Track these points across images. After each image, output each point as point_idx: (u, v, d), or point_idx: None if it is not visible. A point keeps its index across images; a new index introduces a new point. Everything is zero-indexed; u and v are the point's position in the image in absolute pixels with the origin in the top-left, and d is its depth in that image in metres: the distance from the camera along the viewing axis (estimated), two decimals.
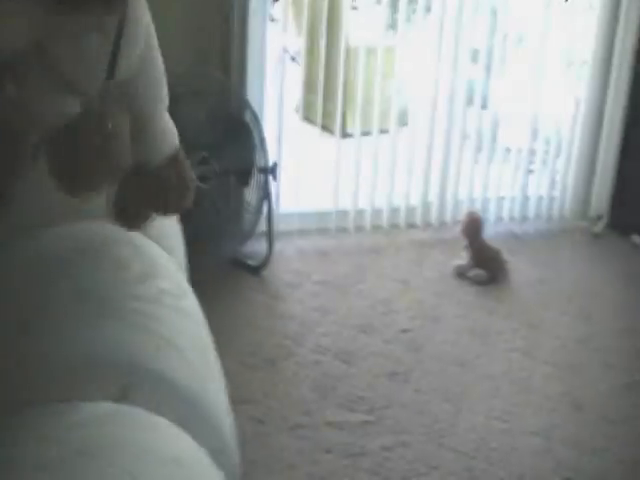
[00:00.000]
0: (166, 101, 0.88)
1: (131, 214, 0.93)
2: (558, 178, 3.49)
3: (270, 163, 2.71)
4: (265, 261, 2.70)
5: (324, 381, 2.14)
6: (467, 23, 3.11)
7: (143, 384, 0.74)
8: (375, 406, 2.05)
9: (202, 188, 2.47)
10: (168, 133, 0.86)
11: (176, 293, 0.91)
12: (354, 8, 3.76)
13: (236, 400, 1.01)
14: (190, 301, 0.95)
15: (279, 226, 2.87)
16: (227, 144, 2.57)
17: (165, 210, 0.93)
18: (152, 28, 0.83)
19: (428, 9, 3.17)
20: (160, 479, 0.61)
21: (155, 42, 0.83)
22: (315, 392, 2.09)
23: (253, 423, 1.90)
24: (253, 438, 1.83)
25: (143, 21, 0.78)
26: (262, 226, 2.77)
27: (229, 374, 0.99)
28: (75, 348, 0.75)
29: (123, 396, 0.71)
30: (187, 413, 0.75)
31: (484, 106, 3.41)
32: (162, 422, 0.70)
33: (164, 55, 2.68)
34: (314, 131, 3.46)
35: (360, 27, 3.50)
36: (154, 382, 0.75)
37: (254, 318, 2.41)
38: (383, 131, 3.26)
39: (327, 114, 3.52)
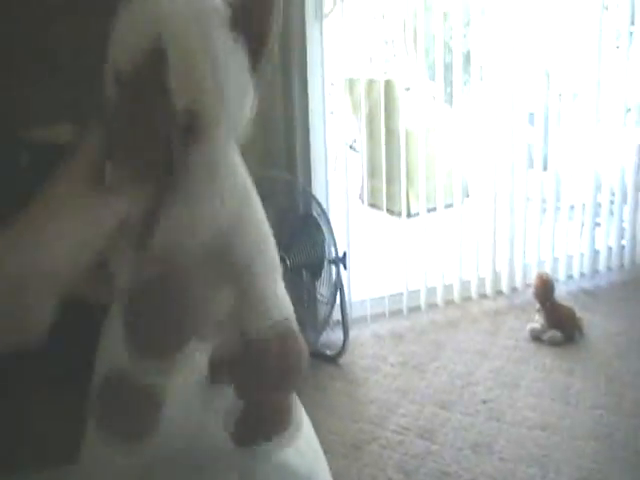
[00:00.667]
0: (271, 266, 0.71)
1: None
2: (626, 226, 3.49)
3: (340, 253, 2.84)
4: (342, 349, 2.81)
5: (409, 460, 2.19)
6: (521, 87, 3.21)
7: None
8: (461, 479, 2.09)
9: None
10: (268, 303, 0.68)
11: None
12: (407, 89, 3.96)
13: None
14: None
15: (352, 313, 3.00)
16: (297, 240, 2.73)
17: (257, 392, 0.72)
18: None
19: (481, 78, 3.28)
20: None
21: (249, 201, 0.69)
22: (400, 472, 2.14)
23: None
24: None
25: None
26: (336, 315, 2.90)
27: None
28: None
29: None
30: None
31: (545, 167, 3.49)
32: None
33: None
34: (380, 215, 3.60)
35: (415, 106, 3.67)
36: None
37: (335, 406, 2.50)
38: (447, 206, 3.37)
39: (390, 197, 3.66)
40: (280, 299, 0.70)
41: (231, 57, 0.59)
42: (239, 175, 0.67)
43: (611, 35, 3.32)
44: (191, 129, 0.57)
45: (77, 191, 0.56)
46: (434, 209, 3.38)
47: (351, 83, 4.22)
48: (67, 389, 1.39)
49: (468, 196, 3.66)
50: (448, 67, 3.22)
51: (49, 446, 1.64)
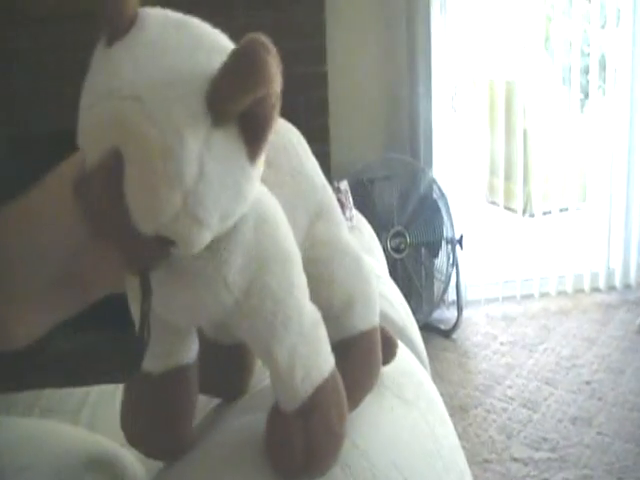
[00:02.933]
0: (287, 333, 0.55)
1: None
2: None
3: (457, 236, 3.07)
4: (455, 325, 3.03)
5: (510, 425, 2.39)
6: None
7: None
8: (558, 446, 2.27)
9: (397, 258, 2.90)
10: (299, 373, 0.55)
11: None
12: (532, 91, 4.06)
13: None
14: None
15: (467, 295, 3.21)
16: (418, 219, 2.99)
17: (285, 472, 0.56)
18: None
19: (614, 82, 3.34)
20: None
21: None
22: (502, 434, 2.35)
23: None
24: None
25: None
26: (452, 295, 3.12)
27: None
28: None
29: None
30: None
31: None
32: None
33: (360, 145, 3.25)
34: (498, 210, 3.78)
35: (539, 108, 3.81)
36: None
37: (447, 373, 2.72)
38: (562, 210, 3.52)
39: (509, 194, 3.83)
40: (299, 371, 0.55)
41: (213, 153, 0.46)
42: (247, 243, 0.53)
43: None
44: (165, 245, 0.48)
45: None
46: (549, 212, 3.54)
47: (476, 82, 4.39)
48: None
49: (584, 200, 3.78)
50: (583, 71, 3.34)
51: None
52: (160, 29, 0.48)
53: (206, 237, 0.48)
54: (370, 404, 0.66)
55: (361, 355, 0.66)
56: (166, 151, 0.44)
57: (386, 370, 0.72)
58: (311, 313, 0.57)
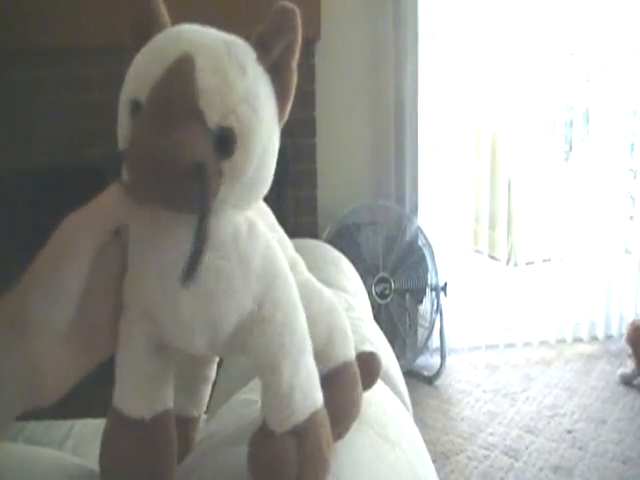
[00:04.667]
0: (293, 347, 0.58)
1: None
2: None
3: (442, 283, 3.09)
4: (438, 372, 3.04)
5: (492, 472, 2.39)
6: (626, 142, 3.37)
7: None
8: None
9: (381, 304, 2.92)
10: (298, 394, 0.57)
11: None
12: (516, 142, 4.14)
13: None
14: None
15: (450, 342, 3.22)
16: (403, 265, 3.02)
17: None
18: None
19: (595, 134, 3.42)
20: None
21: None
22: None
23: None
24: None
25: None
26: (435, 342, 3.14)
27: None
28: None
29: None
30: None
31: None
32: None
33: (347, 191, 3.28)
34: (482, 258, 3.82)
35: (522, 159, 3.88)
36: None
37: (429, 419, 2.72)
38: (545, 260, 3.57)
39: (493, 244, 3.88)
40: (305, 392, 0.58)
41: (263, 90, 0.54)
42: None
43: None
44: (226, 145, 0.51)
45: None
46: (532, 262, 3.58)
47: (461, 132, 4.46)
48: None
49: (567, 251, 3.84)
50: (567, 124, 3.43)
51: None
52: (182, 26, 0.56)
53: (258, 146, 0.53)
54: (352, 440, 0.67)
55: (346, 384, 0.68)
56: (231, 51, 0.52)
57: (369, 409, 0.73)
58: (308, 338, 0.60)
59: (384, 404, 0.79)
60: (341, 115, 3.08)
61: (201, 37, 0.53)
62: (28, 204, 2.66)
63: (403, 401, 1.05)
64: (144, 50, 0.53)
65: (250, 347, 0.57)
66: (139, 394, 0.57)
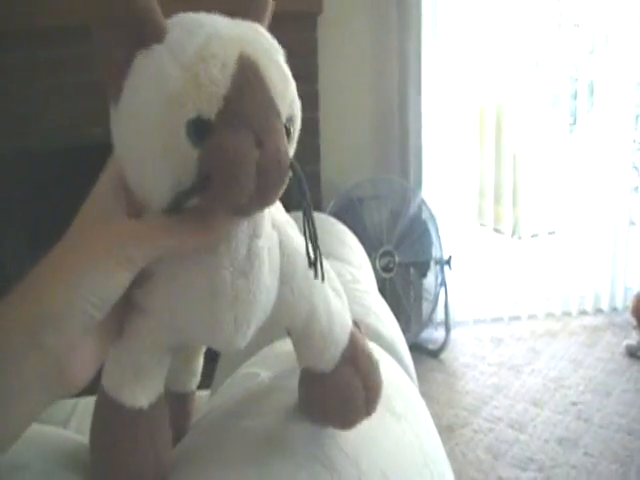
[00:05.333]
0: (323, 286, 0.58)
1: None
2: None
3: (446, 257, 3.08)
4: (443, 345, 3.03)
5: (497, 445, 2.39)
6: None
7: None
8: (545, 466, 2.27)
9: (386, 277, 2.91)
10: (337, 327, 0.58)
11: None
12: (521, 115, 4.11)
13: None
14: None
15: (455, 316, 3.22)
16: (407, 239, 3.00)
17: (354, 420, 0.60)
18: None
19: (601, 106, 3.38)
20: None
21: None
22: (489, 454, 2.35)
23: None
24: None
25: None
26: (440, 315, 3.13)
27: None
28: None
29: None
30: None
31: None
32: None
33: (350, 165, 3.28)
34: (486, 231, 3.81)
35: (527, 132, 3.85)
36: None
37: (434, 393, 2.73)
38: (550, 232, 3.55)
39: (498, 217, 3.86)
40: (338, 323, 0.59)
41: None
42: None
43: None
44: (289, 133, 0.50)
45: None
46: (537, 235, 3.56)
47: (466, 105, 4.42)
48: None
49: (572, 223, 3.81)
50: (572, 97, 3.39)
51: None
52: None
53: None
54: None
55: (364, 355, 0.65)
56: (265, 35, 0.52)
57: None
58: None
59: (390, 377, 0.77)
60: (344, 89, 3.05)
61: (237, 30, 0.49)
62: (31, 185, 2.65)
63: (409, 374, 1.04)
64: (185, 63, 0.45)
65: (282, 313, 0.56)
66: (139, 384, 0.55)
